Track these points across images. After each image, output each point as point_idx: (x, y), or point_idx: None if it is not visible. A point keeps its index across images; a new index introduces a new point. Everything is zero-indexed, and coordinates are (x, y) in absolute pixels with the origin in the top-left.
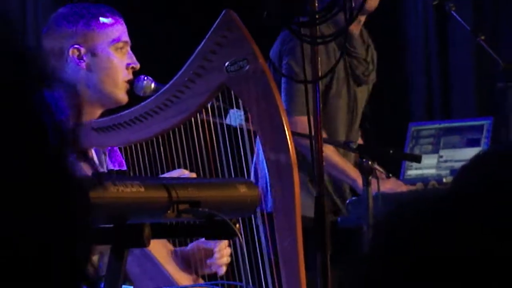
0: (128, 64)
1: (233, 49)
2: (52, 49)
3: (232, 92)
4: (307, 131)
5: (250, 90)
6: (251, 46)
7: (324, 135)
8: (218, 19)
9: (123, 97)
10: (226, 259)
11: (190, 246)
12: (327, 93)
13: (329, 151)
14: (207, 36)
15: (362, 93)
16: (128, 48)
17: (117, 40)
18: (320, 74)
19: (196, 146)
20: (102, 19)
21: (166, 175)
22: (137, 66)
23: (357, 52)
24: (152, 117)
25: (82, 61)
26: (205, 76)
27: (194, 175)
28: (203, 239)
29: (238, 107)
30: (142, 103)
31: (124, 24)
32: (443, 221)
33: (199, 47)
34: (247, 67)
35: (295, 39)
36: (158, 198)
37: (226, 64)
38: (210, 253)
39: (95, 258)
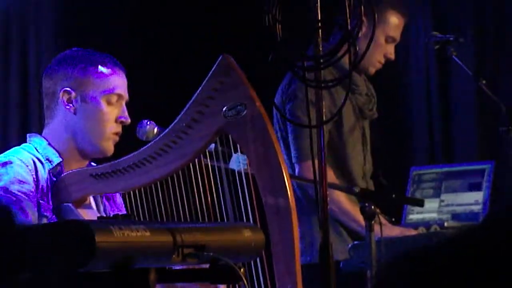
0: (119, 117)
1: (230, 94)
2: (47, 89)
3: (230, 137)
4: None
5: (247, 134)
6: (248, 90)
7: (332, 177)
8: (215, 65)
9: (107, 148)
10: None
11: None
12: (339, 132)
13: (339, 196)
14: (204, 82)
15: (367, 127)
16: (123, 102)
17: (110, 91)
18: (325, 117)
19: (198, 190)
20: (100, 68)
21: None
22: (128, 121)
23: (360, 88)
24: (151, 163)
25: (70, 105)
26: (203, 121)
27: None
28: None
29: (235, 151)
30: (141, 149)
31: (124, 78)
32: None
33: (197, 93)
34: (245, 112)
35: (297, 83)
36: (163, 243)
37: (224, 109)
38: None
39: None
